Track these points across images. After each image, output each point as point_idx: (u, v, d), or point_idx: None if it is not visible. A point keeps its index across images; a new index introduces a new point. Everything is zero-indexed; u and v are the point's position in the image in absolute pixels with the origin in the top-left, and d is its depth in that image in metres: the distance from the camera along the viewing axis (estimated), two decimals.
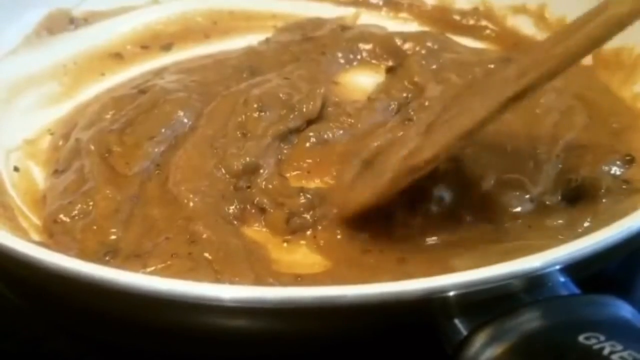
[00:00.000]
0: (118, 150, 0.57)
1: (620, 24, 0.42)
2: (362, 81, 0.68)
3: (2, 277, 0.46)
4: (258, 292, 0.38)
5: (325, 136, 0.59)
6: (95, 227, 0.50)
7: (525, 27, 0.73)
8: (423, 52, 0.69)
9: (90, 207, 0.52)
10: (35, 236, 0.52)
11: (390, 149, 0.52)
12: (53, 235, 0.51)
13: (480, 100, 0.46)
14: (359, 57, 0.70)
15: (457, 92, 0.53)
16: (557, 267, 0.38)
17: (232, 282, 0.45)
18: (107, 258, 0.48)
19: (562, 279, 0.39)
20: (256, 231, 0.52)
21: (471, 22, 0.76)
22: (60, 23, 0.72)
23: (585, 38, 0.42)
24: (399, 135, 0.55)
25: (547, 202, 0.51)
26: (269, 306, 0.37)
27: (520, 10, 0.74)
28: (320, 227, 0.51)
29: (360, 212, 0.50)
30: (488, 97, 0.45)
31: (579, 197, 0.51)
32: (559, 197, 0.51)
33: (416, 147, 0.48)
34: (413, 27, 0.77)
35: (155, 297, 0.37)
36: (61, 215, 0.52)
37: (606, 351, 0.33)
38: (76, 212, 0.52)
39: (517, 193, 0.51)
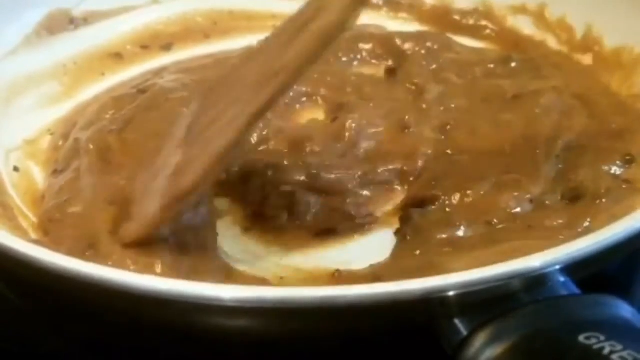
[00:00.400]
0: (117, 148, 0.56)
1: (329, 36, 0.43)
2: None
3: (2, 277, 0.46)
4: (259, 292, 0.38)
5: None
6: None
7: (526, 27, 0.73)
8: (423, 52, 0.69)
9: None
10: (34, 235, 0.52)
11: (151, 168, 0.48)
12: (49, 233, 0.51)
13: (227, 120, 0.44)
14: (359, 57, 0.70)
15: (212, 89, 0.49)
16: (557, 267, 0.38)
17: None
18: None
19: (562, 279, 0.39)
20: None
21: (471, 22, 0.76)
22: (60, 23, 0.72)
23: (303, 51, 0.43)
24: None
25: (547, 202, 0.51)
26: (269, 306, 0.37)
27: (520, 10, 0.74)
28: None
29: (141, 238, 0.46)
30: (232, 116, 0.44)
31: (579, 197, 0.51)
32: (559, 197, 0.51)
33: (178, 165, 0.45)
34: (413, 27, 0.77)
35: (155, 297, 0.37)
36: (57, 214, 0.51)
37: (606, 351, 0.33)
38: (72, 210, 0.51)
39: (516, 194, 0.51)
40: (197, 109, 0.48)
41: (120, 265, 0.45)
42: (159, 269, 0.45)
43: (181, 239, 0.47)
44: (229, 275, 0.48)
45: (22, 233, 0.51)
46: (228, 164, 0.48)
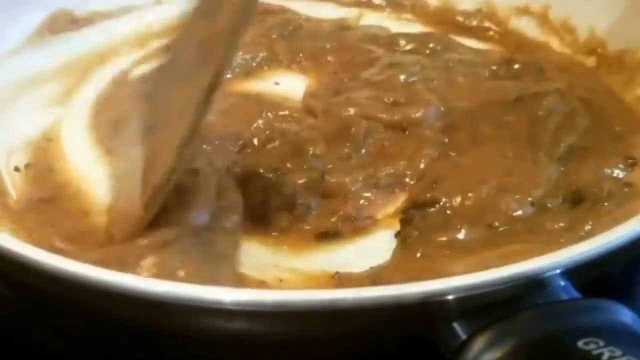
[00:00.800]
0: None
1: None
2: None
3: (2, 278, 0.46)
4: (259, 295, 0.38)
5: None
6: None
7: (529, 28, 0.73)
8: (427, 52, 0.69)
9: None
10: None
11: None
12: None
13: (184, 97, 0.45)
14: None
15: (157, 79, 0.49)
16: (558, 271, 0.38)
17: None
18: None
19: (562, 283, 0.38)
20: None
21: (474, 23, 0.76)
22: (63, 23, 0.72)
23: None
24: None
25: (548, 205, 0.51)
26: (269, 309, 0.37)
27: (524, 11, 0.74)
28: None
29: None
30: (188, 92, 0.44)
31: (581, 201, 0.51)
32: (560, 201, 0.51)
33: (147, 158, 0.45)
34: (416, 28, 0.76)
35: (153, 300, 0.37)
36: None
37: (605, 357, 0.33)
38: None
39: (518, 196, 0.51)
40: (149, 101, 0.48)
41: (143, 269, 0.44)
42: (182, 274, 0.44)
43: (206, 244, 0.47)
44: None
45: (23, 235, 0.51)
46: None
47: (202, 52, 0.44)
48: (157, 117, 0.46)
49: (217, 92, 0.44)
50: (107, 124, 0.61)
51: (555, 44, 0.71)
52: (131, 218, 0.46)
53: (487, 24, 0.76)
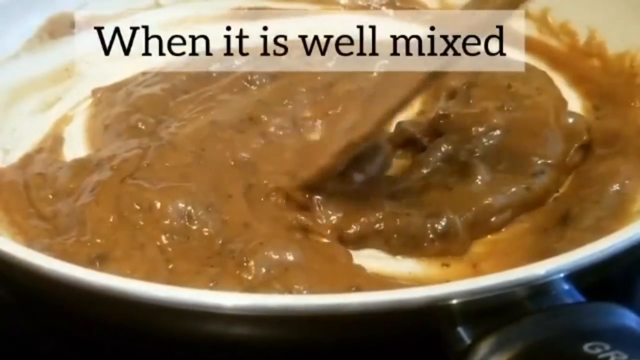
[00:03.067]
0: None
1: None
2: None
3: (2, 282, 0.46)
4: (260, 299, 0.38)
5: None
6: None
7: (528, 31, 0.73)
8: None
9: None
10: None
11: (333, 122, 0.55)
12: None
13: (405, 77, 0.49)
14: None
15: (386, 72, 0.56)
16: (562, 274, 0.38)
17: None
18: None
19: (566, 287, 0.38)
20: None
21: None
22: (62, 27, 0.72)
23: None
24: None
25: None
26: (271, 314, 0.37)
27: (523, 14, 0.74)
28: None
29: (304, 185, 0.51)
30: (411, 74, 0.49)
31: None
32: None
33: (354, 122, 0.51)
34: (417, 31, 0.76)
35: (154, 304, 0.37)
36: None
37: None
38: None
39: None
40: (373, 87, 0.54)
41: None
42: None
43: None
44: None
45: (23, 238, 0.51)
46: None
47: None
48: (377, 92, 0.52)
49: (437, 80, 0.51)
50: (101, 126, 0.61)
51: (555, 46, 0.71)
52: (315, 165, 0.52)
53: None
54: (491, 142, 0.56)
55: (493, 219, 0.51)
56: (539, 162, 0.54)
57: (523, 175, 0.53)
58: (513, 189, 0.52)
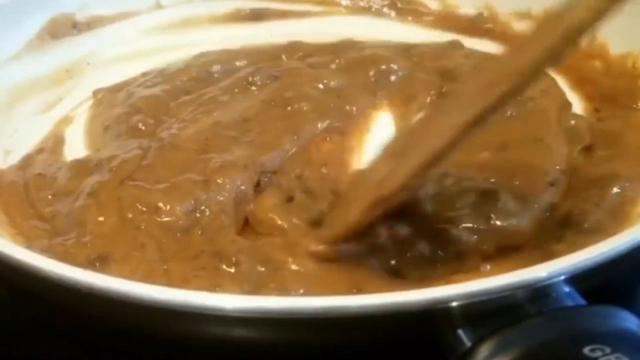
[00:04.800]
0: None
1: (577, 33, 0.40)
2: None
3: (2, 283, 0.46)
4: (260, 301, 0.38)
5: None
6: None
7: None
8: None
9: None
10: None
11: (361, 176, 0.50)
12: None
13: (447, 120, 0.44)
14: None
15: (423, 117, 0.51)
16: (562, 277, 0.38)
17: None
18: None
19: (567, 289, 0.38)
20: None
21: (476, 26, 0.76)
22: (63, 28, 0.72)
23: (544, 51, 0.41)
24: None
25: None
26: (271, 316, 0.37)
27: (525, 15, 0.74)
28: None
29: (333, 245, 0.47)
30: (454, 117, 0.43)
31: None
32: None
33: (384, 174, 0.46)
34: (418, 31, 0.76)
35: (154, 306, 0.37)
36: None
37: None
38: None
39: None
40: (407, 135, 0.49)
41: None
42: None
43: None
44: None
45: (23, 239, 0.51)
46: (428, 171, 0.47)
47: (493, 81, 0.42)
48: (412, 140, 0.47)
49: (478, 129, 0.43)
50: (102, 127, 0.61)
51: None
52: (343, 222, 0.47)
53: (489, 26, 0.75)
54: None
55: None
56: (554, 169, 0.53)
57: (540, 186, 0.52)
58: (535, 206, 0.50)
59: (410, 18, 0.78)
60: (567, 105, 0.61)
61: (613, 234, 0.42)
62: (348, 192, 0.50)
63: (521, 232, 0.49)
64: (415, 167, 0.45)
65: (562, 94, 0.62)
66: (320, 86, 0.62)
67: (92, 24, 0.74)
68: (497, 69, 0.43)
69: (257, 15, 0.78)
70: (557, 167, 0.53)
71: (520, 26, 0.74)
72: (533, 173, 0.53)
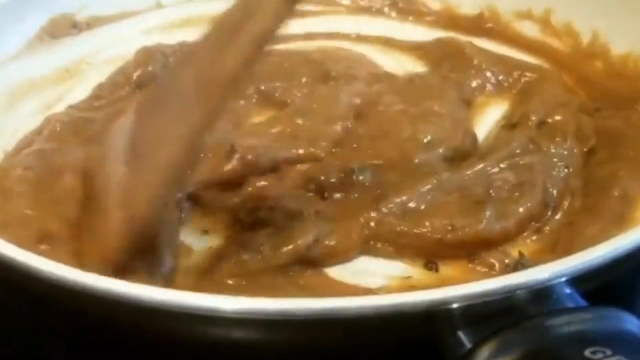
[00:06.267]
0: None
1: (264, 40, 0.42)
2: None
3: (2, 284, 0.46)
4: (260, 303, 0.38)
5: None
6: None
7: (532, 32, 0.73)
8: None
9: None
10: None
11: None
12: None
13: (174, 125, 0.42)
14: None
15: (148, 100, 0.47)
16: (563, 278, 0.38)
17: None
18: None
19: (568, 291, 0.38)
20: None
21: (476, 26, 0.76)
22: (63, 28, 0.72)
23: (240, 58, 0.42)
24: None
25: None
26: (270, 317, 0.37)
27: (526, 15, 0.74)
28: None
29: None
30: (180, 123, 0.42)
31: None
32: None
33: (126, 182, 0.43)
34: (418, 32, 0.76)
35: (152, 308, 0.37)
36: None
37: None
38: None
39: None
40: (136, 121, 0.44)
41: None
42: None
43: None
44: None
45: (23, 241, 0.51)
46: (183, 182, 0.46)
47: (200, 88, 0.42)
48: (140, 141, 0.43)
49: (204, 136, 0.42)
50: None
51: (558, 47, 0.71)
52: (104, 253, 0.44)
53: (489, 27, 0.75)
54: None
55: None
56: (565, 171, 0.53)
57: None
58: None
59: (410, 18, 0.78)
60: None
61: (614, 235, 0.42)
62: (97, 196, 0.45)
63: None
64: (157, 182, 0.42)
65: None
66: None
67: (92, 24, 0.74)
68: (201, 74, 0.43)
69: None
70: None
71: (522, 26, 0.74)
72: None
